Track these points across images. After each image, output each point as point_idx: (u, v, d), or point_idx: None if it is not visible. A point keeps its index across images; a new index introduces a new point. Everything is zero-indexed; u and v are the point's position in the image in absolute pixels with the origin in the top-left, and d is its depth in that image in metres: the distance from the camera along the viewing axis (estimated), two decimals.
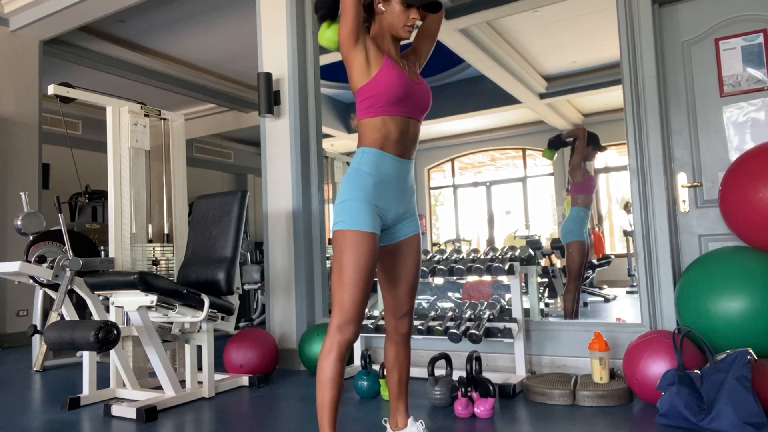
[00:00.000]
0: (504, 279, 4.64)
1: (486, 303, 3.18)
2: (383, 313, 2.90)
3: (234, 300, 3.23)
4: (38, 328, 3.55)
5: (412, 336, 3.09)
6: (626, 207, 7.33)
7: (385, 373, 2.43)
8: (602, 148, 4.79)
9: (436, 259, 3.35)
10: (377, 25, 1.88)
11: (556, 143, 4.97)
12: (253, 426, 2.47)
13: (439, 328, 3.06)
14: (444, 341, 3.18)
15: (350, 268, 1.72)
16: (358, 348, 3.47)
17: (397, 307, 1.96)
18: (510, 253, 3.14)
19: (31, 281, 3.57)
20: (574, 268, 4.57)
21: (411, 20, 1.85)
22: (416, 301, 5.51)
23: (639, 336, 2.59)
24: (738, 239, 2.67)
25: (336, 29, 1.88)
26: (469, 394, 2.53)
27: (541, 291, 5.42)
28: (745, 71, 2.84)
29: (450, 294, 5.60)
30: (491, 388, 2.58)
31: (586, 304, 5.95)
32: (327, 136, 4.70)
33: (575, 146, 4.67)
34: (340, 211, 1.78)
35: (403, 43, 1.95)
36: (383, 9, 1.85)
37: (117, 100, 3.60)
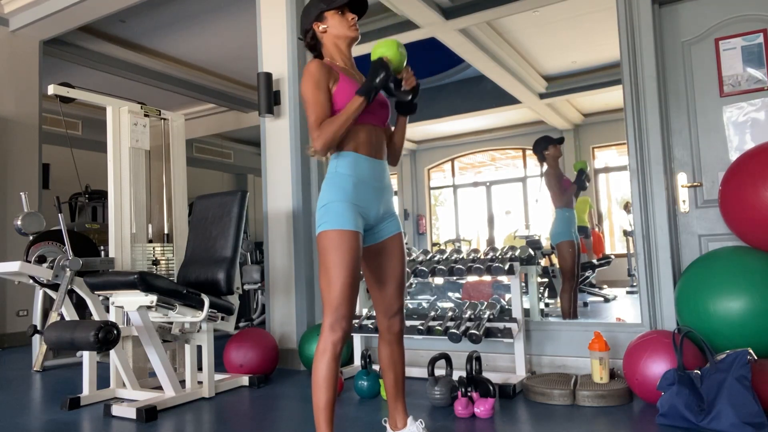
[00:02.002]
0: (504, 279, 4.64)
1: (486, 303, 3.18)
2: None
3: (234, 300, 3.23)
4: (38, 328, 3.55)
5: (412, 336, 3.10)
6: (626, 207, 7.32)
7: None
8: (560, 140, 4.83)
9: (436, 259, 3.35)
10: (326, 48, 1.99)
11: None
12: (253, 426, 2.47)
13: (439, 328, 3.06)
14: (444, 341, 3.18)
15: (337, 267, 1.76)
16: (358, 348, 3.47)
17: (388, 307, 1.98)
18: (510, 253, 3.14)
19: (31, 281, 3.57)
20: (567, 269, 4.58)
21: (351, 20, 1.96)
22: (416, 301, 5.45)
23: (639, 336, 2.59)
24: (738, 239, 2.67)
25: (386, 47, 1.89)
26: (469, 394, 2.53)
27: (541, 291, 5.41)
28: (745, 71, 2.84)
29: (450, 294, 5.60)
30: (491, 388, 2.58)
31: (586, 304, 5.95)
32: None
33: (548, 166, 4.73)
34: (322, 214, 1.83)
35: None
36: (325, 27, 1.96)
37: (117, 100, 3.60)
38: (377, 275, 1.98)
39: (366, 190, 1.87)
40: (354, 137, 1.87)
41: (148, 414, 2.61)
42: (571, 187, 4.75)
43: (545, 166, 4.75)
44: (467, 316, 3.09)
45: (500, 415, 2.47)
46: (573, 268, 4.57)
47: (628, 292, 6.76)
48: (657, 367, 2.37)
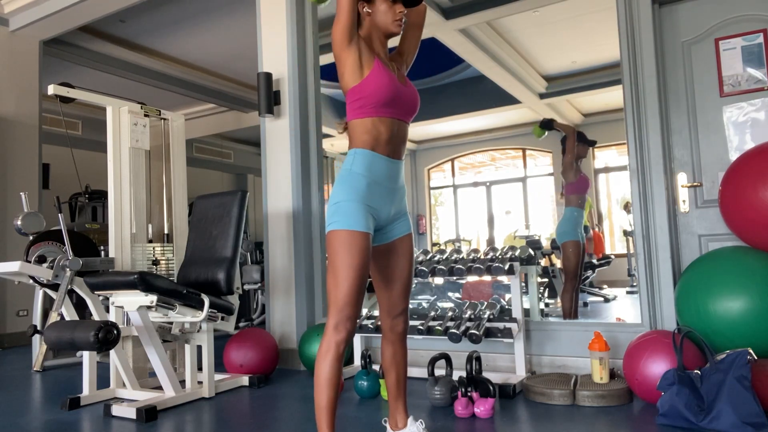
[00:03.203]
0: (504, 279, 4.64)
1: (486, 303, 3.18)
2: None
3: (234, 300, 3.23)
4: (38, 328, 3.56)
5: (412, 336, 3.10)
6: (626, 207, 7.33)
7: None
8: (591, 143, 4.79)
9: (436, 259, 3.35)
10: (364, 29, 1.91)
11: (548, 125, 4.95)
12: (253, 426, 2.47)
13: (439, 328, 3.06)
14: (444, 341, 3.18)
15: (345, 268, 1.74)
16: (358, 348, 3.48)
17: (393, 307, 1.97)
18: (510, 253, 3.14)
19: (31, 281, 3.57)
20: (570, 269, 4.57)
21: (398, 14, 1.89)
22: (416, 301, 5.44)
23: (639, 336, 2.59)
24: (738, 239, 2.67)
25: None
26: (469, 394, 2.53)
27: (541, 291, 5.42)
28: (745, 71, 2.84)
29: (450, 294, 5.60)
30: (491, 388, 2.58)
31: (586, 304, 5.95)
32: (327, 136, 4.70)
33: (566, 146, 4.67)
34: (333, 212, 1.80)
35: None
36: (369, 11, 1.89)
37: (117, 100, 3.60)
38: (384, 275, 1.96)
39: (379, 191, 1.84)
40: (376, 133, 1.82)
41: (148, 414, 2.61)
42: (586, 186, 4.70)
43: (566, 156, 4.67)
44: (467, 316, 3.09)
45: (500, 415, 2.47)
46: (576, 269, 4.55)
47: (628, 292, 6.76)
48: (657, 367, 2.37)
